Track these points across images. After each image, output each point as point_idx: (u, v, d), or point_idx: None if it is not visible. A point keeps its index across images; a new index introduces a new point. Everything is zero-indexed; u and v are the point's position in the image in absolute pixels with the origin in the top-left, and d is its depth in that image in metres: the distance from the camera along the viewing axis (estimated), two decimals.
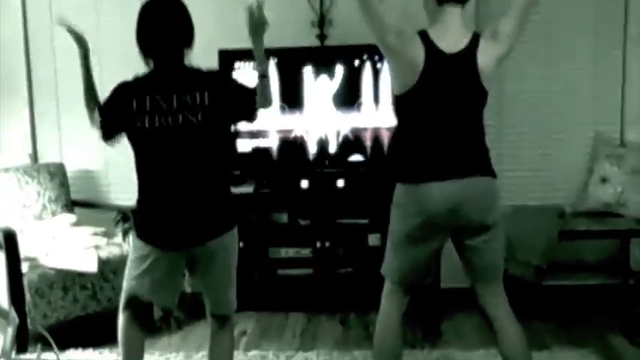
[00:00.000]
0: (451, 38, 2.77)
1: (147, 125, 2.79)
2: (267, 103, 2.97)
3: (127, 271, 3.00)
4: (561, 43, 4.77)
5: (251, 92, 2.94)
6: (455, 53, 2.76)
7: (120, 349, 3.07)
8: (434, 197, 2.74)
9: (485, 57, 2.77)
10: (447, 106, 2.78)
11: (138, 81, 2.88)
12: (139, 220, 2.95)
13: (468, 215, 2.77)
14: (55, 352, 2.33)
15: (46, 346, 2.31)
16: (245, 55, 4.56)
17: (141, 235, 2.92)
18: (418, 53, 2.73)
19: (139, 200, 2.91)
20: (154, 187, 2.87)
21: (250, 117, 2.99)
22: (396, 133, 2.94)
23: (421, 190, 2.77)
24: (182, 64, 2.88)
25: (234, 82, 3.02)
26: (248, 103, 2.94)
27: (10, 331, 2.27)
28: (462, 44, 2.77)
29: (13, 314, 2.33)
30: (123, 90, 2.87)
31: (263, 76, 2.94)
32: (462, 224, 2.80)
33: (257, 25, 2.90)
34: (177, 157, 2.83)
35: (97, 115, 2.95)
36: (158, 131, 2.80)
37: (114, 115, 2.89)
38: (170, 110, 2.80)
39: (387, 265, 2.96)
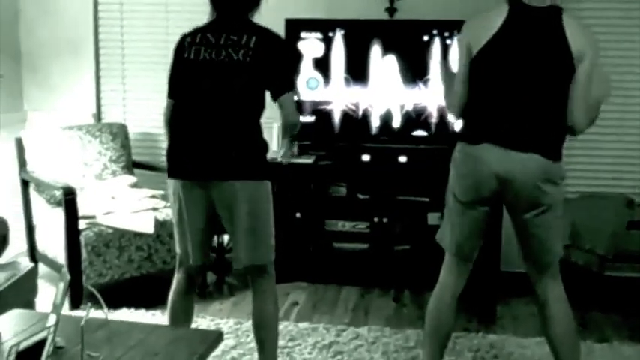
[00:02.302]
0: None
1: (192, 56, 2.89)
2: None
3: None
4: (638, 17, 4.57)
5: (290, 72, 3.08)
6: (541, 7, 2.69)
7: (168, 309, 3.08)
8: (483, 161, 2.69)
9: (570, 30, 2.66)
10: (525, 64, 2.68)
11: (197, 27, 2.98)
12: (168, 156, 2.96)
13: (516, 192, 2.69)
14: (103, 310, 2.31)
15: (99, 305, 2.30)
16: (311, 25, 4.53)
17: (170, 171, 2.93)
18: (498, 16, 2.72)
19: (171, 134, 2.95)
20: (186, 118, 2.90)
21: (276, 93, 2.91)
22: (471, 97, 2.84)
23: (474, 151, 2.72)
24: (244, 18, 2.93)
25: (286, 53, 3.09)
26: (281, 78, 2.92)
27: (62, 286, 2.25)
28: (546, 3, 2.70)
29: (65, 271, 2.32)
30: (181, 38, 2.99)
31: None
32: (511, 199, 2.73)
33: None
34: (214, 90, 2.85)
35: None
36: (201, 63, 2.87)
37: (176, 65, 2.97)
38: (217, 45, 2.87)
39: (440, 230, 2.94)
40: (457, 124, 4.33)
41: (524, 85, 2.69)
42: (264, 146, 2.94)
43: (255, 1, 2.93)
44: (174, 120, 2.95)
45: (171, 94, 2.99)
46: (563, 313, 2.84)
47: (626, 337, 3.80)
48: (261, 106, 2.92)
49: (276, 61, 2.89)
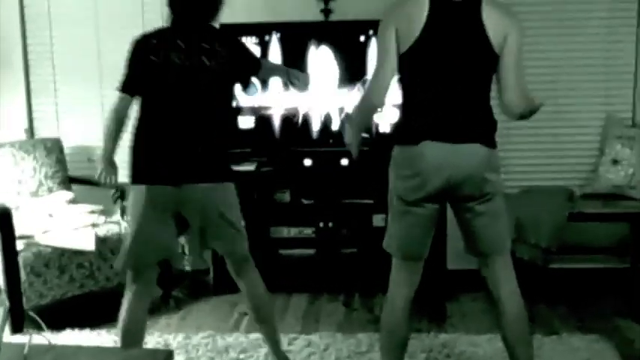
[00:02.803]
0: None
1: (161, 59, 2.86)
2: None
3: (127, 240, 2.96)
4: (575, 18, 4.63)
5: (254, 59, 3.20)
6: (460, 1, 2.66)
7: (120, 328, 2.96)
8: (427, 159, 2.66)
9: (489, 18, 2.65)
10: (450, 60, 2.67)
11: (158, 30, 3.00)
12: (136, 161, 2.91)
13: (463, 184, 2.68)
14: (45, 335, 2.22)
15: (41, 328, 2.21)
16: (247, 29, 4.47)
17: (136, 177, 2.90)
18: (421, 10, 2.65)
19: (137, 141, 2.91)
20: (154, 123, 2.90)
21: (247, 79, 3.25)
22: (402, 96, 2.81)
23: (415, 150, 2.69)
24: (207, 24, 2.99)
25: (244, 46, 3.21)
26: (251, 66, 3.15)
27: (0, 313, 2.16)
28: None
29: (4, 297, 2.22)
30: (143, 38, 2.95)
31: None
32: (458, 192, 2.71)
33: None
34: (184, 96, 2.87)
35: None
36: (171, 67, 2.86)
37: (138, 64, 2.92)
38: (188, 50, 2.87)
39: (386, 236, 2.89)
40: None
41: (454, 80, 2.69)
42: (229, 152, 3.07)
43: (215, 9, 2.96)
44: (142, 125, 2.91)
45: (130, 90, 2.93)
46: (517, 309, 2.81)
47: (574, 328, 3.84)
48: (229, 116, 3.12)
49: (244, 58, 3.07)
